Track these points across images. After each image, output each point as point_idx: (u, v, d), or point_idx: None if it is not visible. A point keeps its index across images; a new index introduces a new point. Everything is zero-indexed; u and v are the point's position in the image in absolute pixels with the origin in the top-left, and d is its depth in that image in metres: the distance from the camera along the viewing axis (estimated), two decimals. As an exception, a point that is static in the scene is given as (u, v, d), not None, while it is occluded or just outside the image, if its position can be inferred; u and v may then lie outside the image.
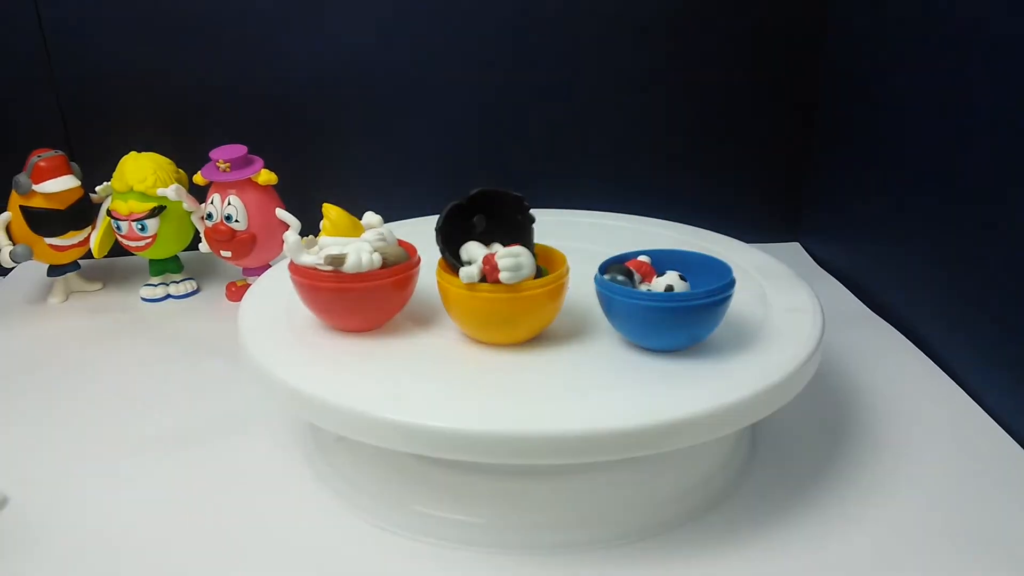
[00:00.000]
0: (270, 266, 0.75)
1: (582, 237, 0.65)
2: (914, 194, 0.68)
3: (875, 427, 0.56)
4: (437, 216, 0.53)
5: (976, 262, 0.59)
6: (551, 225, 0.58)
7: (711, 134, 0.87)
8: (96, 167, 0.78)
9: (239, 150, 0.73)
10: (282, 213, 0.72)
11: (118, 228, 0.75)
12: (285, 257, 0.56)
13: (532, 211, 0.56)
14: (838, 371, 0.64)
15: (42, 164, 0.73)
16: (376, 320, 0.53)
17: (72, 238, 0.76)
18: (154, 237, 0.75)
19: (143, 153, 0.75)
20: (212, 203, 0.73)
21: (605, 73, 0.84)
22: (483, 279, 0.48)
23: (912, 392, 0.60)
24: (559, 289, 0.49)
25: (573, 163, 0.88)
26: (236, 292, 0.77)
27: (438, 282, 0.50)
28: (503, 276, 0.47)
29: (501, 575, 0.43)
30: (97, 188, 0.77)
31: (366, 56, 0.83)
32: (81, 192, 0.76)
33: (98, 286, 0.81)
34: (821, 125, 0.86)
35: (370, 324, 0.53)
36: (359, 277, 0.52)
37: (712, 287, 0.45)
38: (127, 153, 0.75)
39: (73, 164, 0.75)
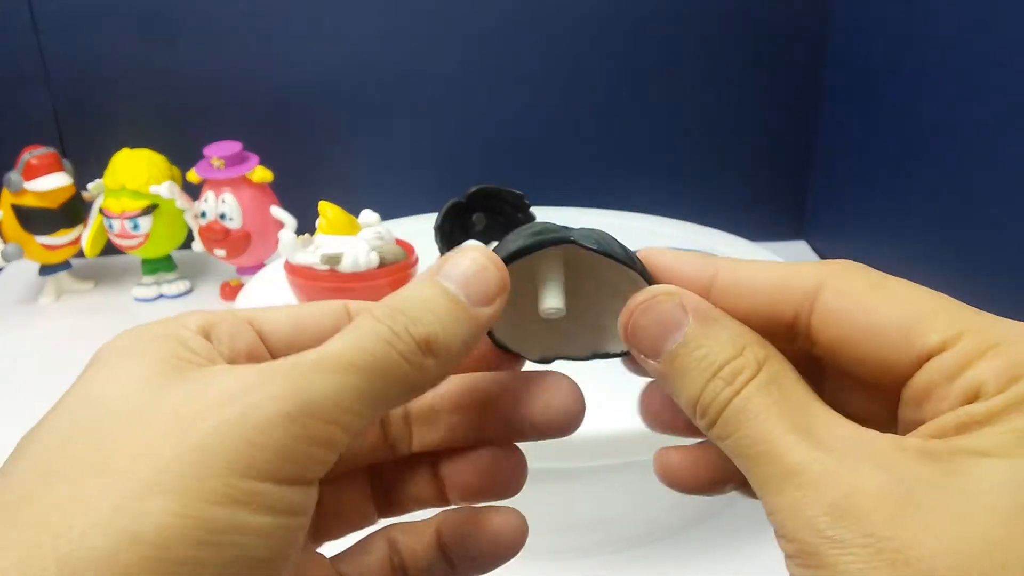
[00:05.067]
0: (265, 265, 0.73)
1: (583, 236, 0.64)
2: (922, 191, 0.67)
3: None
4: (436, 214, 0.52)
5: (985, 261, 0.58)
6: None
7: (716, 131, 0.87)
8: (88, 164, 0.76)
9: (234, 147, 0.72)
10: (277, 211, 0.71)
11: (110, 226, 0.74)
12: (280, 256, 0.55)
13: (533, 209, 0.55)
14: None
15: (34, 161, 0.72)
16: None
17: (64, 236, 0.75)
18: (147, 236, 0.74)
19: (136, 150, 0.74)
20: (206, 201, 0.72)
21: (608, 69, 0.84)
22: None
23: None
24: (561, 289, 0.48)
25: (574, 160, 0.87)
26: (230, 292, 0.76)
27: (437, 282, 0.49)
28: (503, 275, 0.46)
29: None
30: (89, 186, 0.76)
31: (363, 52, 0.82)
32: (73, 190, 0.75)
33: (90, 285, 0.80)
34: (828, 121, 0.85)
35: (367, 325, 0.52)
36: (356, 276, 0.51)
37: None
38: (120, 150, 0.74)
39: (65, 161, 0.74)
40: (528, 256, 0.21)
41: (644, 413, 0.23)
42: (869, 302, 0.18)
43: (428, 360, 0.18)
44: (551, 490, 0.47)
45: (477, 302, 0.19)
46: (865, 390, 0.20)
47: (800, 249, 0.87)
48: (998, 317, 0.18)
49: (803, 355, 0.20)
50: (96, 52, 0.80)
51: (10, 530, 0.15)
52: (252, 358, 0.19)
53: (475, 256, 0.19)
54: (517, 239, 0.21)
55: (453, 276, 0.19)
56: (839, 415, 0.18)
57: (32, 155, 0.72)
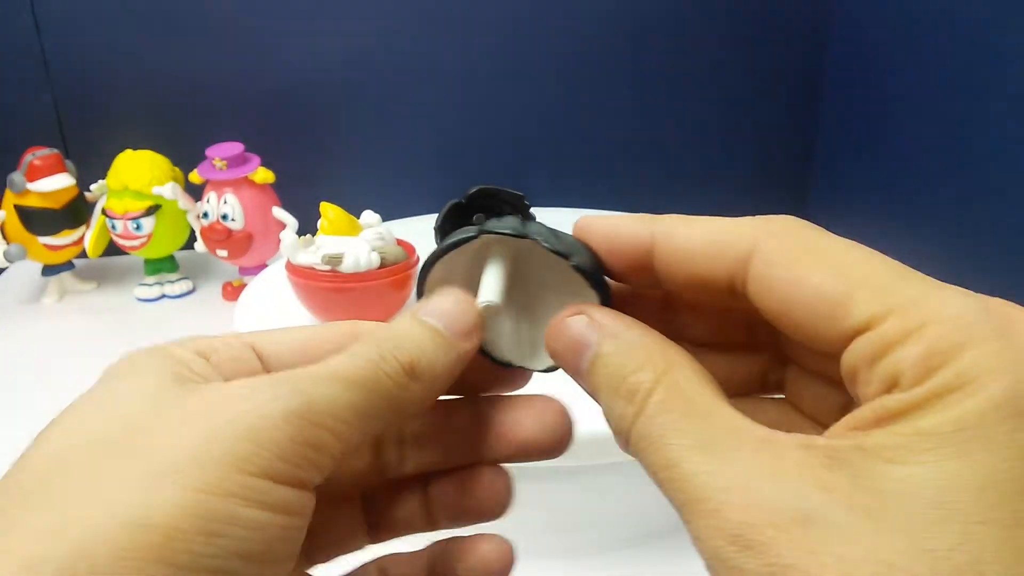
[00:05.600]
0: (267, 265, 0.74)
1: (584, 236, 0.64)
2: (923, 191, 0.67)
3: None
4: (436, 215, 0.53)
5: (987, 261, 0.59)
6: (552, 223, 0.58)
7: (715, 129, 0.87)
8: (91, 165, 0.77)
9: (236, 148, 0.72)
10: (279, 212, 0.71)
11: (113, 227, 0.74)
12: (282, 256, 0.55)
13: (533, 209, 0.55)
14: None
15: (37, 162, 0.72)
16: (374, 320, 0.52)
17: (66, 237, 0.75)
18: (149, 236, 0.74)
19: (139, 151, 0.74)
20: (208, 202, 0.72)
21: (606, 70, 0.84)
22: (483, 279, 0.48)
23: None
24: (561, 289, 0.48)
25: (574, 161, 0.87)
26: (232, 292, 0.76)
27: (437, 282, 0.49)
28: (504, 275, 0.46)
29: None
30: (92, 186, 0.76)
31: (365, 53, 0.82)
32: (76, 191, 0.75)
33: (92, 286, 0.80)
34: (827, 121, 0.85)
35: (368, 325, 0.52)
36: (357, 277, 0.51)
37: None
38: (122, 151, 0.74)
39: (68, 162, 0.74)
40: (455, 251, 0.22)
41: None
42: (798, 271, 0.17)
43: (413, 383, 0.20)
44: (547, 490, 0.47)
45: (455, 335, 0.21)
46: (819, 353, 0.19)
47: (800, 249, 0.87)
48: (936, 287, 0.16)
49: (756, 313, 0.19)
50: (98, 53, 0.80)
51: (26, 513, 0.16)
52: None
53: (454, 295, 0.21)
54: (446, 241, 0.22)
55: (434, 312, 0.21)
56: (747, 419, 0.17)
57: (35, 156, 0.72)
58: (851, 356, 0.16)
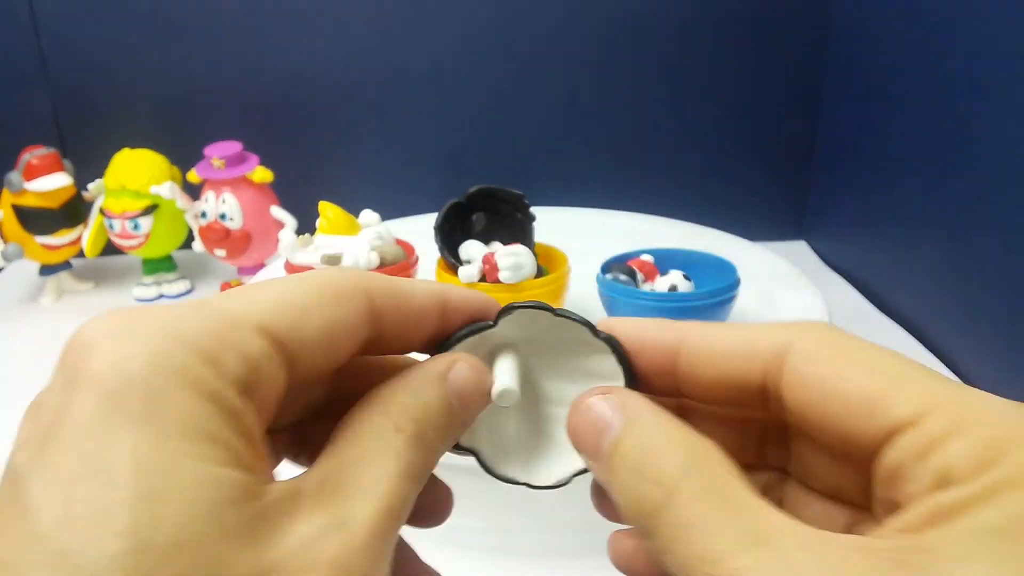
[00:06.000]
0: (265, 265, 0.73)
1: (583, 235, 0.64)
2: (923, 191, 0.67)
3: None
4: (436, 214, 0.52)
5: (987, 261, 0.58)
6: (551, 223, 0.57)
7: (715, 130, 0.86)
8: (89, 164, 0.76)
9: (234, 147, 0.72)
10: (277, 211, 0.71)
11: (111, 227, 0.74)
12: (281, 256, 0.55)
13: (532, 209, 0.55)
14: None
15: (34, 162, 0.72)
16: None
17: (64, 237, 0.75)
18: (147, 236, 0.74)
19: (137, 150, 0.74)
20: (206, 201, 0.72)
21: (607, 69, 0.83)
22: (483, 278, 0.47)
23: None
24: (560, 289, 0.48)
25: (574, 160, 0.87)
26: (231, 292, 0.76)
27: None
28: (503, 275, 0.46)
29: (501, 583, 0.42)
30: (90, 186, 0.76)
31: (364, 53, 0.82)
32: (73, 190, 0.75)
33: (90, 285, 0.80)
34: (828, 121, 0.85)
35: (367, 325, 0.52)
36: (355, 276, 0.51)
37: (716, 287, 0.44)
38: (120, 150, 0.74)
39: (66, 161, 0.74)
40: (476, 336, 0.20)
41: (615, 558, 0.21)
42: (837, 367, 0.17)
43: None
44: (550, 491, 0.46)
45: (461, 426, 0.20)
46: (838, 463, 0.19)
47: (800, 249, 0.87)
48: (973, 389, 0.16)
49: (775, 424, 0.19)
50: (96, 52, 0.80)
51: None
52: (279, 413, 0.18)
53: (479, 369, 0.20)
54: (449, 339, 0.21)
55: (457, 387, 0.19)
56: (788, 516, 0.16)
57: (33, 155, 0.72)
58: (895, 453, 0.16)
